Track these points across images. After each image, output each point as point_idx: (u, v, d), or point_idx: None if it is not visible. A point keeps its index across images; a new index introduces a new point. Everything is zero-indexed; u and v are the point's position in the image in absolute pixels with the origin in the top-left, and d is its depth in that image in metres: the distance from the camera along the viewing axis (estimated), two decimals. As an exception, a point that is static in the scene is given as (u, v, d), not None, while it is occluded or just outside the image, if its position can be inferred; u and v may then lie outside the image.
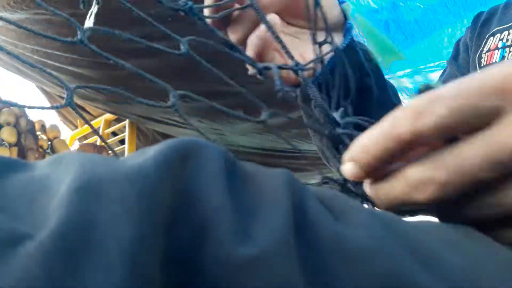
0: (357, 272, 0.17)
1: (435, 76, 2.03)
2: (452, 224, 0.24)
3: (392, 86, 0.48)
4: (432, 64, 1.99)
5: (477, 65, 0.49)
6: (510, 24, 0.48)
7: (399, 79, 2.13)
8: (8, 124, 2.06)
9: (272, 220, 0.17)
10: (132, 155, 0.18)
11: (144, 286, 0.13)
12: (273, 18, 0.39)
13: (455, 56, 0.59)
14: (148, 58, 1.74)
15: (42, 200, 0.15)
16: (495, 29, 0.50)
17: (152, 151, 0.17)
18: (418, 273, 0.18)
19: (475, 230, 0.24)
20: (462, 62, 0.58)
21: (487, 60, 0.48)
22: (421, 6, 1.78)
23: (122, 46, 1.69)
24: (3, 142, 2.01)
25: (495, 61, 0.47)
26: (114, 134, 2.65)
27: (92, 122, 2.65)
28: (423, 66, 2.02)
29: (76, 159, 0.17)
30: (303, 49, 0.42)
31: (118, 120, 2.53)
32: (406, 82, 2.14)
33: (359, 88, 0.43)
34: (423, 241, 0.20)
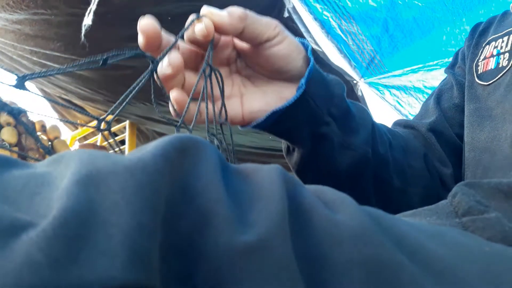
0: (349, 256, 0.18)
1: (433, 74, 2.03)
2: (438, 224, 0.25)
3: (363, 114, 0.49)
4: (431, 63, 1.99)
5: (474, 73, 0.50)
6: (504, 32, 0.50)
7: (398, 77, 2.13)
8: (9, 124, 2.06)
9: (268, 208, 0.18)
10: (132, 152, 0.19)
11: (144, 272, 0.14)
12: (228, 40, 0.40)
13: (452, 65, 0.60)
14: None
15: (44, 193, 0.15)
16: (490, 38, 0.52)
17: (150, 146, 0.18)
18: (400, 259, 0.19)
19: (461, 230, 0.26)
20: (457, 70, 0.59)
21: (483, 68, 0.49)
22: (420, 4, 1.78)
23: (121, 46, 1.69)
24: (4, 143, 2.01)
25: (491, 68, 0.48)
26: (114, 134, 2.65)
27: (92, 123, 2.65)
28: (421, 65, 2.02)
29: (76, 155, 0.17)
30: (251, 98, 0.43)
31: (118, 121, 2.53)
32: (405, 81, 2.15)
33: (313, 136, 0.44)
34: (407, 232, 0.22)
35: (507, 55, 0.47)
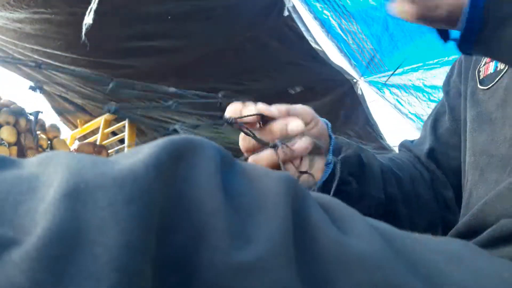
0: (357, 281, 0.17)
1: (433, 73, 2.03)
2: (451, 238, 0.24)
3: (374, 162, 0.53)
4: (431, 61, 1.99)
5: (477, 79, 0.51)
6: None
7: (398, 76, 2.13)
8: (8, 123, 2.06)
9: (271, 224, 0.17)
10: (124, 155, 0.17)
11: None
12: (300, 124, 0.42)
13: (448, 78, 0.61)
14: (147, 57, 1.74)
15: (29, 203, 0.15)
16: None
17: (142, 153, 0.17)
18: (414, 285, 0.18)
19: (473, 244, 0.25)
20: (452, 86, 0.60)
21: (484, 73, 0.50)
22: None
23: (121, 45, 1.69)
24: (3, 142, 2.01)
25: (490, 72, 0.48)
26: (114, 133, 2.65)
27: (92, 122, 2.65)
28: (421, 64, 2.02)
29: (65, 161, 0.16)
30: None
31: (117, 120, 2.53)
32: (405, 79, 2.15)
33: (336, 193, 0.47)
34: (422, 255, 0.20)
35: None
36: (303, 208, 0.19)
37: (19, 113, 2.03)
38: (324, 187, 0.46)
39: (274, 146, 0.38)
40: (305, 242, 0.18)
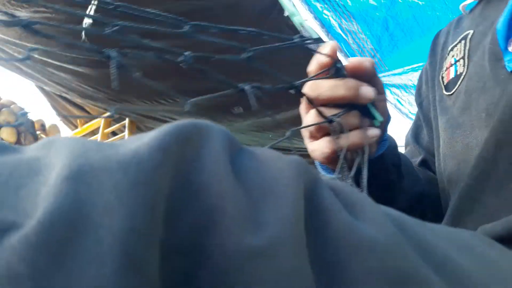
0: (369, 266, 0.17)
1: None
2: (464, 229, 0.24)
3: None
4: (431, 61, 1.99)
5: (442, 85, 0.51)
6: (459, 39, 0.50)
7: (398, 76, 2.13)
8: (8, 123, 2.07)
9: (283, 207, 0.16)
10: (128, 140, 0.17)
11: (138, 279, 0.13)
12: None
13: (418, 88, 0.61)
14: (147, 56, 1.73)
15: (30, 186, 0.14)
16: (450, 47, 0.52)
17: (147, 137, 0.16)
18: (429, 274, 0.18)
19: (486, 236, 0.24)
20: (423, 96, 0.60)
21: (446, 79, 0.50)
22: (420, 2, 1.78)
23: (120, 45, 1.68)
24: (3, 142, 2.01)
25: (452, 77, 0.49)
26: (114, 133, 2.65)
27: (92, 122, 2.65)
28: (422, 63, 2.02)
29: (68, 144, 0.16)
30: None
31: (118, 120, 2.53)
32: (405, 79, 2.15)
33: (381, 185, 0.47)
34: (433, 243, 0.20)
35: (462, 61, 0.47)
36: (314, 192, 0.19)
37: (19, 113, 2.03)
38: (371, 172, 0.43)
39: (331, 121, 0.37)
40: (316, 226, 0.18)
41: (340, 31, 2.03)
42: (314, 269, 0.16)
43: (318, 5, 1.92)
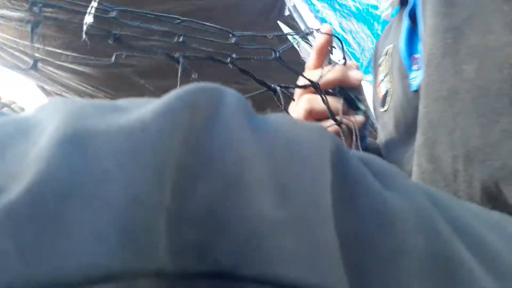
0: (399, 240, 0.16)
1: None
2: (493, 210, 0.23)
3: None
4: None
5: (378, 100, 0.51)
6: (383, 54, 0.50)
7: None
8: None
9: (307, 174, 0.15)
10: (136, 103, 0.15)
11: (139, 256, 0.11)
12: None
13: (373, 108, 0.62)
14: (146, 56, 1.73)
15: (17, 147, 0.12)
16: (379, 60, 0.51)
17: (152, 103, 0.14)
18: (459, 251, 0.17)
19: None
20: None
21: (380, 95, 0.50)
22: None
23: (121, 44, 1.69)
24: None
25: (383, 94, 0.48)
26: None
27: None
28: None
29: (64, 105, 0.14)
30: None
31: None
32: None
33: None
34: (465, 218, 0.19)
35: (388, 77, 0.47)
36: (341, 158, 0.17)
37: (19, 112, 2.03)
38: None
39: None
40: (344, 196, 0.16)
41: (340, 31, 2.03)
42: (341, 239, 0.15)
43: (318, 4, 1.92)
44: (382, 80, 0.49)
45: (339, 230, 0.15)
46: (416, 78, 0.43)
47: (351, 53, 2.15)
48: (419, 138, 0.35)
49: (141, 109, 0.14)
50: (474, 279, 0.16)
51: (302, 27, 1.87)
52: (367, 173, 0.17)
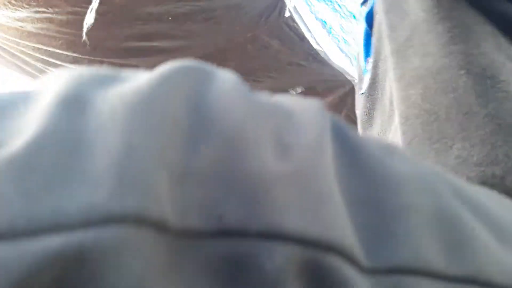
0: (403, 202, 0.16)
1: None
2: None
3: None
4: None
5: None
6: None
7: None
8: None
9: (308, 133, 0.15)
10: (132, 73, 0.16)
11: (139, 199, 0.12)
12: None
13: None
14: (148, 57, 1.74)
15: (21, 109, 0.13)
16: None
17: (152, 72, 0.15)
18: (462, 210, 0.17)
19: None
20: None
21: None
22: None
23: (122, 45, 1.70)
24: None
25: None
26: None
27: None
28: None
29: (65, 75, 0.15)
30: None
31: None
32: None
33: None
34: (464, 187, 0.19)
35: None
36: (341, 129, 0.17)
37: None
38: None
39: None
40: (346, 162, 0.16)
41: (341, 32, 2.03)
42: (347, 204, 0.15)
43: (319, 5, 1.92)
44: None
45: (344, 194, 0.15)
46: (366, 81, 0.43)
47: (351, 54, 2.15)
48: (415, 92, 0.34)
49: (139, 77, 0.15)
50: (477, 236, 0.16)
51: (303, 28, 1.88)
52: (368, 144, 0.18)
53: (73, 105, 0.13)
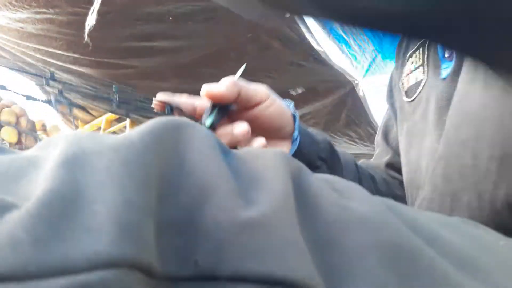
0: (361, 241, 0.17)
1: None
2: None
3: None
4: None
5: (402, 91, 0.51)
6: (416, 46, 0.50)
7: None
8: (9, 124, 2.06)
9: (272, 187, 0.17)
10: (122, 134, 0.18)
11: (134, 247, 0.13)
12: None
13: (389, 91, 0.61)
14: (148, 57, 1.74)
15: (30, 176, 0.15)
16: (409, 53, 0.52)
17: (137, 128, 0.17)
18: (421, 245, 0.18)
19: (469, 220, 0.26)
20: (395, 96, 0.60)
21: (406, 84, 0.50)
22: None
23: (123, 46, 1.70)
24: (4, 142, 2.02)
25: (412, 84, 0.49)
26: (115, 134, 2.65)
27: (93, 122, 2.65)
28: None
29: (63, 137, 0.17)
30: None
31: (119, 120, 2.53)
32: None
33: None
34: (421, 220, 0.21)
35: (421, 68, 0.47)
36: (302, 178, 0.19)
37: (20, 113, 2.03)
38: None
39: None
40: (306, 207, 0.18)
41: (341, 33, 2.03)
42: (309, 248, 0.16)
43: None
44: (412, 70, 0.49)
45: (304, 235, 0.17)
46: (447, 68, 0.43)
47: (352, 55, 2.15)
48: (466, 132, 0.35)
49: (128, 133, 0.17)
50: (435, 266, 0.18)
51: (303, 28, 1.88)
52: (326, 187, 0.19)
53: (74, 164, 0.15)
